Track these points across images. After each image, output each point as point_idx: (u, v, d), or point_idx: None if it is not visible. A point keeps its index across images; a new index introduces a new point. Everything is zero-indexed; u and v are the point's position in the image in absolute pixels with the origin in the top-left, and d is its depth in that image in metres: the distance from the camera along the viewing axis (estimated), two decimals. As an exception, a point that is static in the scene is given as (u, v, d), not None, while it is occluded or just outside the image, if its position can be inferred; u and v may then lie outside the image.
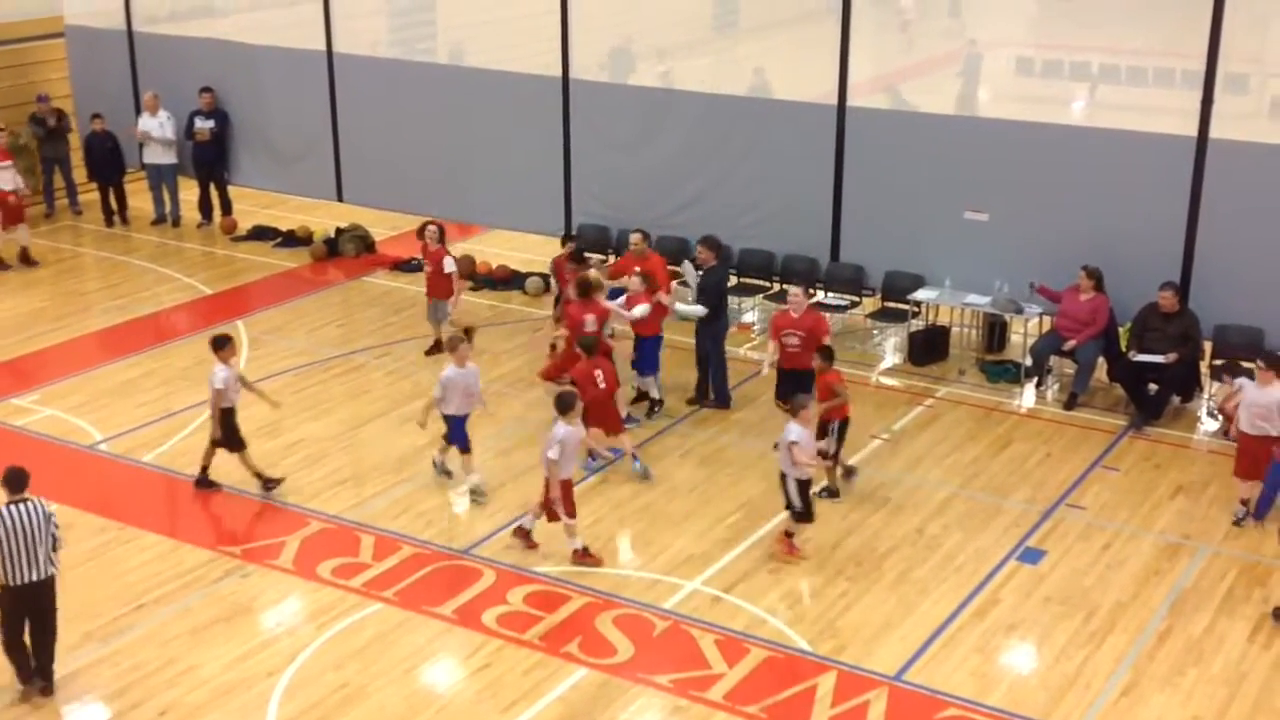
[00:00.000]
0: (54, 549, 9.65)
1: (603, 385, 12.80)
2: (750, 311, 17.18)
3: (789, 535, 11.58)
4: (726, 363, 14.63)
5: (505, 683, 9.94)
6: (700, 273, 14.57)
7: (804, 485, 11.38)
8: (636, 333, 14.19)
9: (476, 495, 12.55)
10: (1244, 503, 12.10)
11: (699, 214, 16.98)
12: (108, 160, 20.70)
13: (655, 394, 14.38)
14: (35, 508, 9.54)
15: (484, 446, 13.66)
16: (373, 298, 17.98)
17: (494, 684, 9.93)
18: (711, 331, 14.39)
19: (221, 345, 12.49)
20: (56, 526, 9.69)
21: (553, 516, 11.44)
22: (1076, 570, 11.38)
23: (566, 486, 11.40)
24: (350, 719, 9.57)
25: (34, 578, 9.49)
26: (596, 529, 12.07)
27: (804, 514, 11.47)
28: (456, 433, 12.59)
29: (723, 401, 14.50)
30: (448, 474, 12.86)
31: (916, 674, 10.05)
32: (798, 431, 11.23)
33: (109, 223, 20.87)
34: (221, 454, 12.55)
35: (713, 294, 14.35)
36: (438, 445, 12.90)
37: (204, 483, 12.72)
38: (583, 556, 11.45)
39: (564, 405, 11.35)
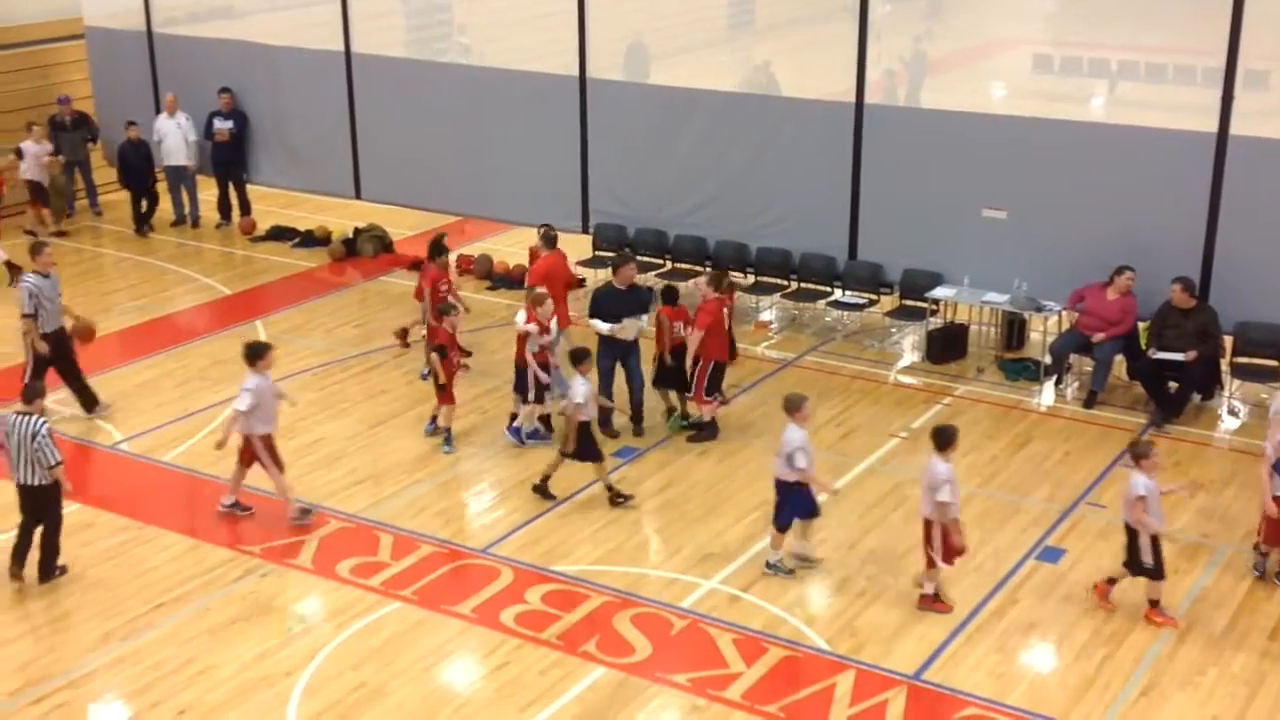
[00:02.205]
0: (43, 464, 10.82)
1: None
2: (768, 310, 17.15)
3: (1154, 603, 10.60)
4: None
5: (523, 682, 9.95)
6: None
7: (1155, 541, 10.42)
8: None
9: (806, 563, 11.42)
10: (1264, 554, 11.20)
11: (715, 213, 17.00)
12: (142, 167, 20.50)
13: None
14: (28, 422, 10.83)
15: (497, 448, 13.68)
16: (391, 298, 18.02)
17: (512, 683, 9.94)
18: (620, 349, 13.70)
19: (581, 359, 12.27)
20: (39, 447, 10.80)
21: (948, 559, 10.66)
22: (1096, 569, 11.31)
23: (955, 526, 10.55)
24: (369, 718, 9.60)
25: (24, 481, 10.96)
26: (614, 527, 12.09)
27: (1155, 571, 10.49)
28: (807, 500, 11.27)
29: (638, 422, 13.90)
30: (807, 562, 11.45)
31: (935, 673, 10.02)
32: (1145, 484, 10.30)
33: (139, 230, 20.66)
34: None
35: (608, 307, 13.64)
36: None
37: (542, 490, 12.51)
38: (931, 602, 10.79)
39: (944, 440, 10.55)
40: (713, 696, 9.75)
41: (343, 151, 19.69)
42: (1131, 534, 10.52)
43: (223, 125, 20.19)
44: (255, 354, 12.01)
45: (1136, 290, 14.28)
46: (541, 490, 12.51)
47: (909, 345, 16.30)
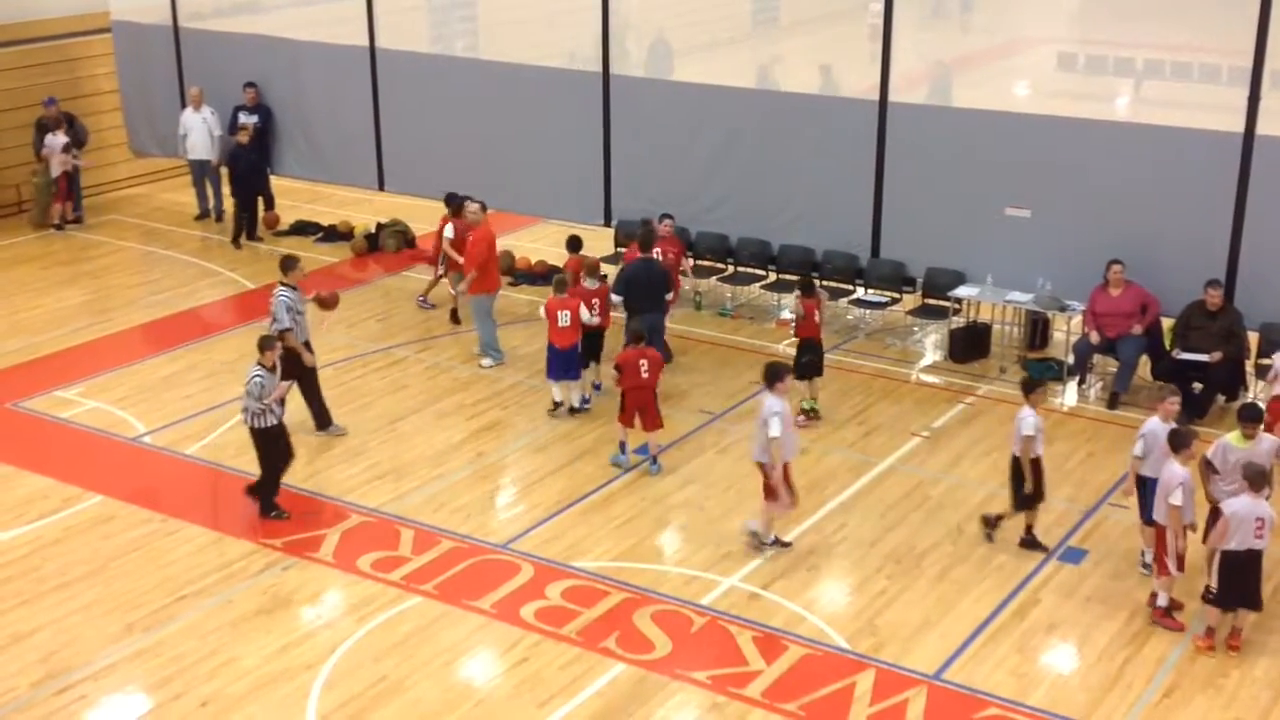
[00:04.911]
0: (248, 409, 11.91)
1: (646, 375, 12.85)
2: (790, 308, 17.11)
3: (1208, 630, 10.29)
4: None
5: (543, 677, 9.97)
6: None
7: (1228, 564, 9.99)
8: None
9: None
10: None
11: (738, 209, 16.98)
12: (249, 177, 20.00)
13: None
14: (250, 371, 11.90)
15: (518, 444, 13.71)
16: (412, 292, 18.04)
17: (531, 679, 9.96)
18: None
19: (1033, 388, 11.29)
20: (247, 393, 11.83)
21: (1181, 566, 10.36)
22: (1118, 570, 11.29)
23: (1184, 531, 10.34)
24: (389, 712, 9.63)
25: (244, 422, 12.13)
26: (634, 525, 12.09)
27: (1219, 600, 10.15)
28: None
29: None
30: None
31: (956, 673, 10.00)
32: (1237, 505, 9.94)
33: (237, 243, 19.97)
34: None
35: (620, 283, 14.57)
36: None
37: (1029, 542, 11.58)
38: (1163, 616, 10.49)
39: (1180, 442, 10.21)
40: (732, 694, 9.75)
41: (366, 145, 19.73)
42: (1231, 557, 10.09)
43: (248, 120, 20.25)
44: (775, 374, 11.36)
45: (1161, 290, 14.23)
46: (1030, 543, 11.62)
47: (931, 344, 16.25)
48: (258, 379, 11.82)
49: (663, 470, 13.00)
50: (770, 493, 11.39)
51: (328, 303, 14.12)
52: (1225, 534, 9.95)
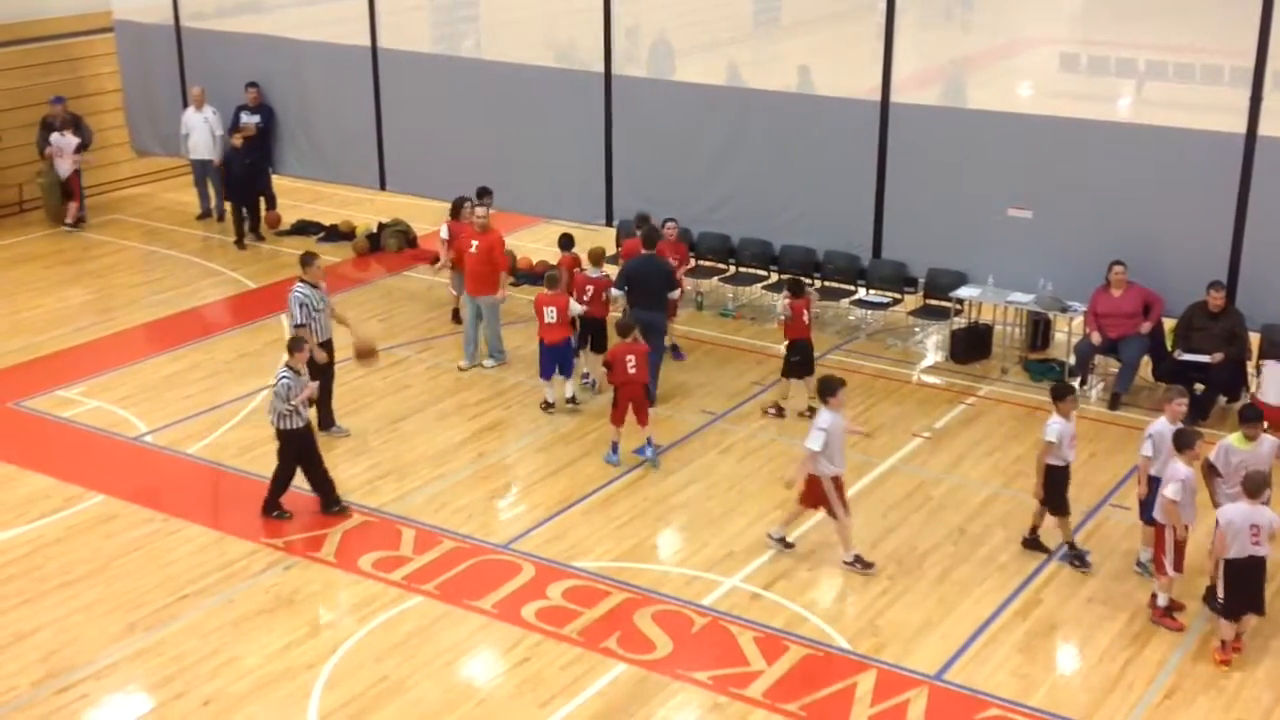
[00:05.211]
0: (274, 409, 11.87)
1: (634, 370, 12.87)
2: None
3: (1222, 643, 10.17)
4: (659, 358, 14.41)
5: (544, 677, 9.97)
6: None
7: (1234, 572, 9.93)
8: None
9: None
10: None
11: (739, 209, 16.97)
12: (247, 177, 20.03)
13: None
14: (277, 372, 11.92)
15: (519, 444, 13.72)
16: (414, 292, 18.07)
17: (533, 679, 9.96)
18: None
19: (1063, 395, 11.24)
20: (275, 394, 11.79)
21: (1179, 565, 10.41)
22: (1120, 571, 11.29)
23: (1184, 529, 10.37)
24: (390, 711, 9.63)
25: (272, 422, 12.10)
26: (635, 525, 12.09)
27: (1226, 610, 10.11)
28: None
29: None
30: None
31: (957, 673, 10.00)
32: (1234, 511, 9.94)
33: (240, 244, 19.93)
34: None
35: (621, 278, 14.54)
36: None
37: (1032, 543, 11.54)
38: (1163, 615, 10.50)
39: (1184, 442, 10.26)
40: (733, 694, 9.75)
41: (368, 144, 19.74)
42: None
43: (250, 120, 20.25)
44: (829, 389, 11.08)
45: (1162, 291, 14.23)
46: (1033, 544, 11.59)
47: (932, 345, 16.25)
48: (285, 380, 11.77)
49: (662, 465, 13.01)
50: (829, 509, 11.27)
51: (366, 357, 13.68)
52: (1224, 544, 9.95)
